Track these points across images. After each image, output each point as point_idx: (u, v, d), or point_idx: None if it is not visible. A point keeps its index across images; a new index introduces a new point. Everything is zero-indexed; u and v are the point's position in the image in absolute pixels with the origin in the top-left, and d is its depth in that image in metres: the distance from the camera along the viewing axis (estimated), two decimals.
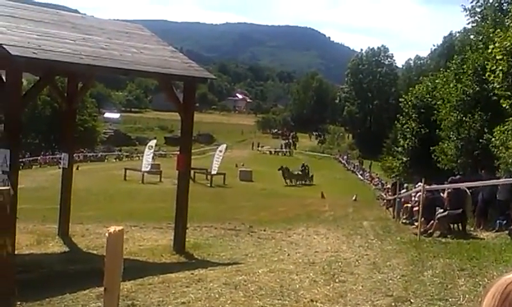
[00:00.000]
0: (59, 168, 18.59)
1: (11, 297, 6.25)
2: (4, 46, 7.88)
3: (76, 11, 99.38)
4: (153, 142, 46.46)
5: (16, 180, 8.36)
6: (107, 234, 3.15)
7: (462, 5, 26.27)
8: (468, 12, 26.12)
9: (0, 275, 6.20)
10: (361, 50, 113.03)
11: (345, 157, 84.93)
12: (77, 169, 27.16)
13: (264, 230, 14.60)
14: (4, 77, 8.68)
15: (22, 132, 10.28)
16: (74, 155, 14.48)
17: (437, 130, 29.12)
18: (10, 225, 6.49)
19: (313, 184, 45.25)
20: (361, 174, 63.52)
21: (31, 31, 9.00)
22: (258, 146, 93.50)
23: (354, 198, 32.21)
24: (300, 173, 46.58)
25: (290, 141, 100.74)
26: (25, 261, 9.17)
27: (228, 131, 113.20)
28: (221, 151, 41.65)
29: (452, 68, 26.99)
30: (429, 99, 34.79)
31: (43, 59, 8.32)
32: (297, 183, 45.03)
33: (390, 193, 26.35)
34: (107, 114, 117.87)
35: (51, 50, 8.62)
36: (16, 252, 6.65)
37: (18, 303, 6.37)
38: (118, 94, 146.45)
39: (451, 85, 26.29)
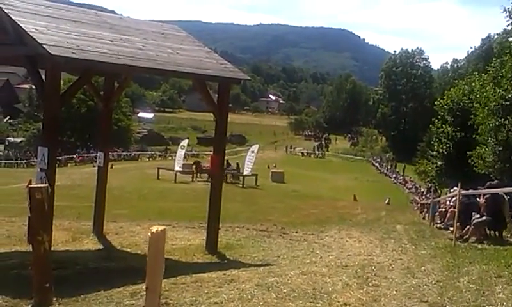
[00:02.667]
0: (94, 166, 18.94)
1: (48, 292, 6.37)
2: (44, 46, 8.02)
3: (113, 12, 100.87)
4: (185, 142, 47.04)
5: (54, 177, 8.48)
6: (149, 234, 3.17)
7: (502, 6, 25.74)
8: (507, 13, 25.60)
9: (38, 271, 6.33)
10: (395, 51, 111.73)
11: (378, 159, 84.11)
12: (111, 167, 27.47)
13: (296, 232, 14.57)
14: (43, 77, 8.82)
15: (59, 130, 10.42)
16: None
17: (473, 135, 28.59)
18: (47, 222, 6.62)
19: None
20: (394, 178, 62.86)
21: (70, 31, 9.13)
22: (290, 148, 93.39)
23: (386, 201, 31.92)
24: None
25: (323, 142, 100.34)
26: (61, 257, 9.32)
27: (260, 132, 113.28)
28: (253, 151, 41.60)
29: (490, 72, 26.46)
30: (466, 102, 34.21)
31: (82, 59, 8.43)
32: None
33: (423, 197, 26.03)
34: (141, 114, 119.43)
35: (89, 50, 8.73)
36: (52, 248, 6.78)
37: (54, 299, 6.48)
38: (152, 94, 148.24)
39: (488, 88, 25.79)
